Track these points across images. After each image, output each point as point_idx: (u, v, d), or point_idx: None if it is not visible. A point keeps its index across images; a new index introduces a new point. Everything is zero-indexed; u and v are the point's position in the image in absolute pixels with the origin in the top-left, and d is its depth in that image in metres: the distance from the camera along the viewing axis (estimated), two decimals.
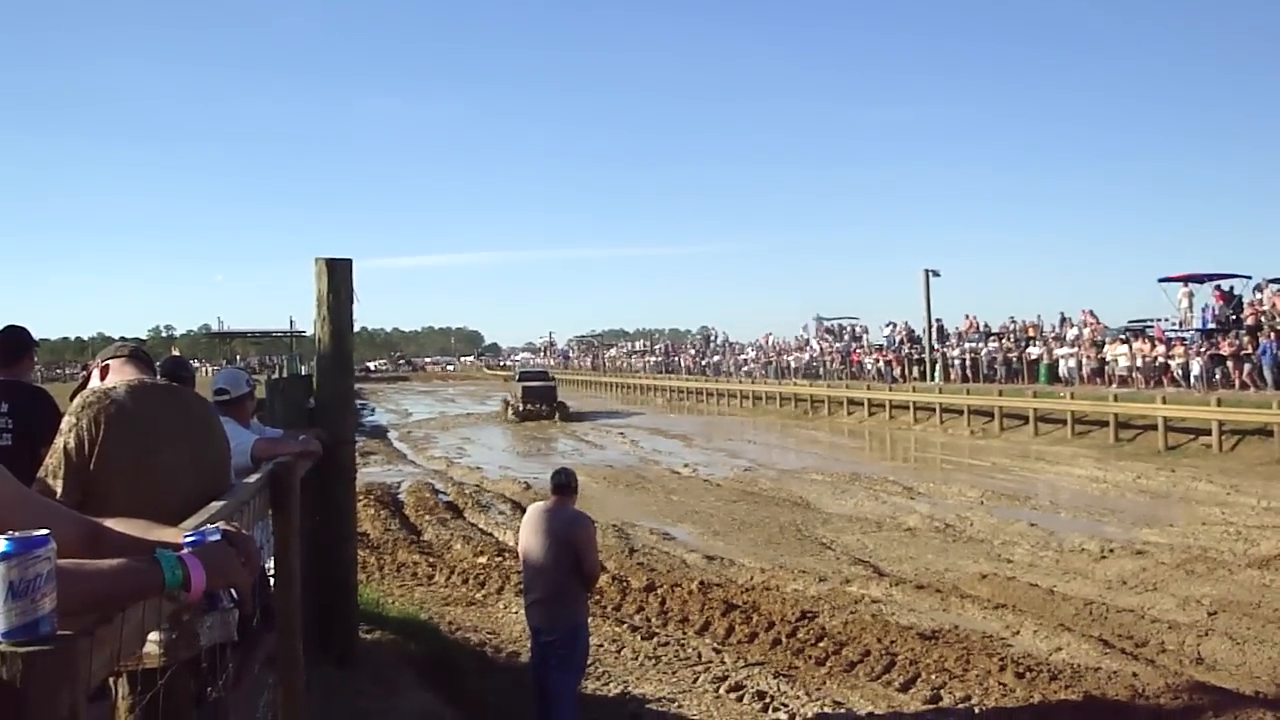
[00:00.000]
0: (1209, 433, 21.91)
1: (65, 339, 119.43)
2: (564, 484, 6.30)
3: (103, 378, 3.04)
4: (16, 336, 4.60)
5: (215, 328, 59.92)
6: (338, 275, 6.17)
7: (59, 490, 2.64)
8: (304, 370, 25.15)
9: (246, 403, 5.09)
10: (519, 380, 42.72)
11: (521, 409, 38.83)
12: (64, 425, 2.78)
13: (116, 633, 1.53)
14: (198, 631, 2.74)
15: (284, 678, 3.52)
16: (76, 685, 1.26)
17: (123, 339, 3.26)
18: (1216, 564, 11.26)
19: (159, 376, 3.38)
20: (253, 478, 3.49)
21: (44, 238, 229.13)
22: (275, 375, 26.81)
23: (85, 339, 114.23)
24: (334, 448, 5.78)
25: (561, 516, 6.16)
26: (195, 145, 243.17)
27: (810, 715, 6.98)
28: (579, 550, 6.04)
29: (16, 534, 1.31)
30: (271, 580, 3.56)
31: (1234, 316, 28.00)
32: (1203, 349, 27.30)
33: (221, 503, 2.63)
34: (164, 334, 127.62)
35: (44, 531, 1.33)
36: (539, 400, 39.31)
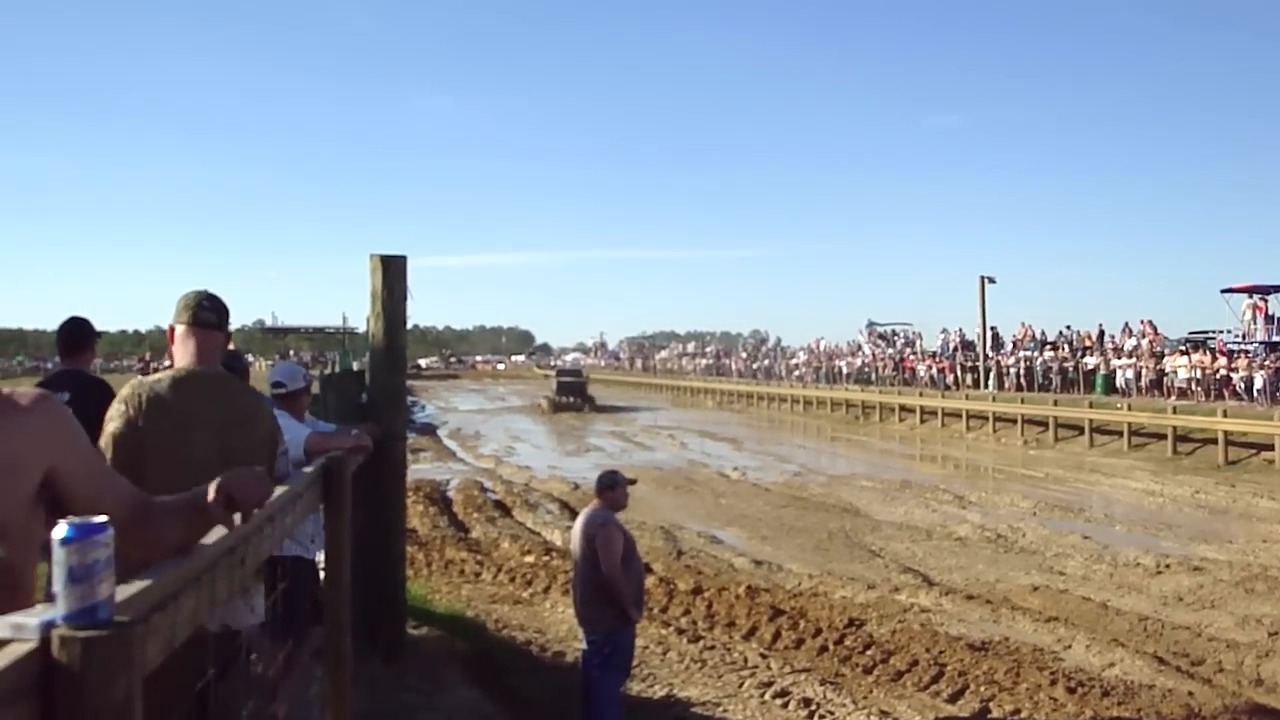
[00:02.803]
0: (1272, 448, 21.41)
1: (124, 331, 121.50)
2: (600, 485, 6.37)
3: (170, 340, 3.19)
4: (79, 327, 4.70)
5: (269, 323, 60.47)
6: (392, 272, 6.22)
7: None
8: (356, 366, 25.42)
9: (302, 397, 5.17)
10: (555, 376, 50.63)
11: (556, 400, 44.82)
12: (111, 412, 2.97)
13: (170, 620, 1.55)
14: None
15: (332, 671, 3.55)
16: (133, 671, 1.27)
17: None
18: (1278, 583, 10.98)
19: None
20: (305, 470, 3.53)
21: (102, 230, 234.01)
22: (328, 370, 27.11)
23: (143, 331, 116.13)
24: (385, 443, 5.83)
25: (589, 518, 6.24)
26: (252, 141, 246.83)
27: None
28: (596, 550, 6.09)
29: (76, 520, 1.32)
30: (321, 574, 3.59)
31: None
32: (1267, 362, 26.68)
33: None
34: None
35: (103, 518, 1.34)
36: (571, 393, 45.47)
